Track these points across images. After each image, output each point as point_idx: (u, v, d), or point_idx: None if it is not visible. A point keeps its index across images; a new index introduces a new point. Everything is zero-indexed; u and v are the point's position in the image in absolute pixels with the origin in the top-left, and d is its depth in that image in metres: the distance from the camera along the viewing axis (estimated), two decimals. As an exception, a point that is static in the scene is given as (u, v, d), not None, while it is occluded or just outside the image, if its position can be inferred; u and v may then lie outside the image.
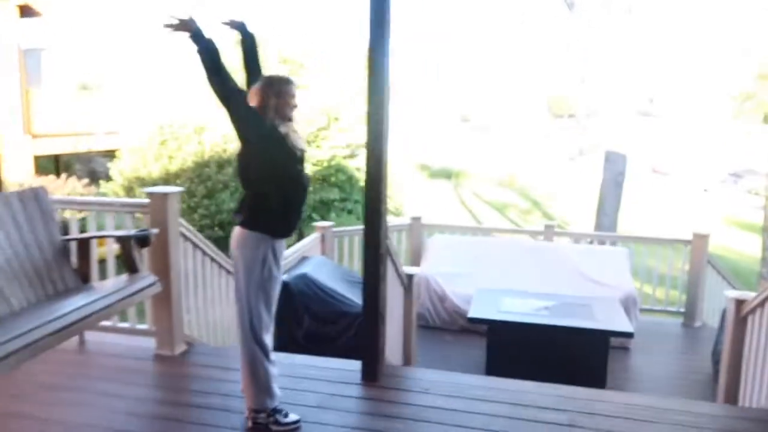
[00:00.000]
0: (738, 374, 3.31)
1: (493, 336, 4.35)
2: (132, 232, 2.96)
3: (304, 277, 4.61)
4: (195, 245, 3.60)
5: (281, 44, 23.96)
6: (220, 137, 10.12)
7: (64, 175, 10.38)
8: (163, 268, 3.24)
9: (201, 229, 9.43)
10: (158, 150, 9.54)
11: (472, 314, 4.36)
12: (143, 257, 3.14)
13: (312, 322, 4.43)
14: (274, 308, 2.73)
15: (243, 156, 2.59)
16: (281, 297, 4.84)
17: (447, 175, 40.95)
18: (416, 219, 6.28)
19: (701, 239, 5.61)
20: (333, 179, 14.35)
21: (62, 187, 9.91)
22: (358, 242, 6.02)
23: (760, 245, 10.01)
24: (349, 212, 14.94)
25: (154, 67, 14.12)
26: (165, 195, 3.23)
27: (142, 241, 2.94)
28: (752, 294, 3.23)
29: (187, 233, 3.49)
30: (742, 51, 9.26)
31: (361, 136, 16.27)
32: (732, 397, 3.26)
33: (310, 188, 14.57)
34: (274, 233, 2.61)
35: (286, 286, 4.60)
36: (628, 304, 5.07)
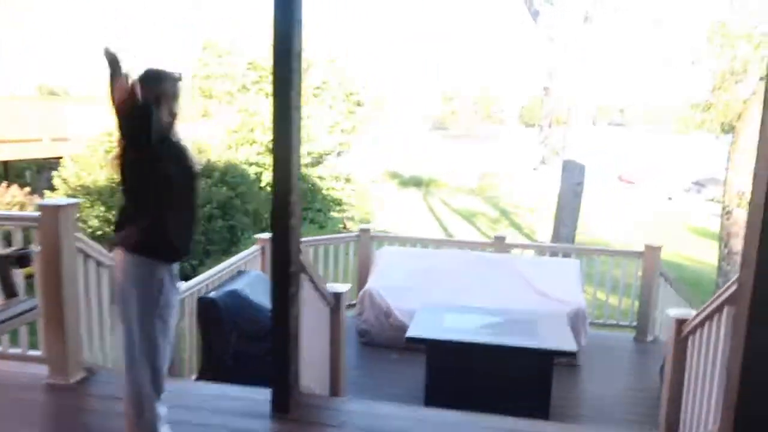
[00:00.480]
0: (679, 399, 3.12)
1: (432, 356, 4.11)
2: (8, 250, 2.64)
3: (233, 294, 4.32)
4: (99, 263, 3.28)
5: (250, 49, 23.65)
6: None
7: (5, 183, 9.89)
8: (54, 289, 2.92)
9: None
10: (104, 157, 9.13)
11: (410, 333, 4.12)
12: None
13: (240, 340, 4.13)
14: (171, 337, 2.45)
15: (133, 164, 2.30)
16: (208, 316, 4.58)
17: (417, 183, 40.94)
18: (365, 231, 6.02)
19: (653, 251, 5.47)
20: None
21: (1, 196, 9.43)
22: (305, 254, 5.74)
23: (717, 255, 10.01)
24: (311, 221, 14.65)
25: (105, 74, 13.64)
26: (57, 208, 2.92)
27: (22, 260, 2.63)
28: (693, 312, 3.05)
29: (88, 249, 3.18)
30: (693, 62, 9.25)
31: (327, 144, 16.02)
32: (673, 425, 3.07)
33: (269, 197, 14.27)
34: (171, 259, 2.35)
35: (213, 303, 4.31)
36: (578, 319, 4.89)
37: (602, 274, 6.11)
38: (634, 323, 5.69)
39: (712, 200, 37.29)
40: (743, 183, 9.25)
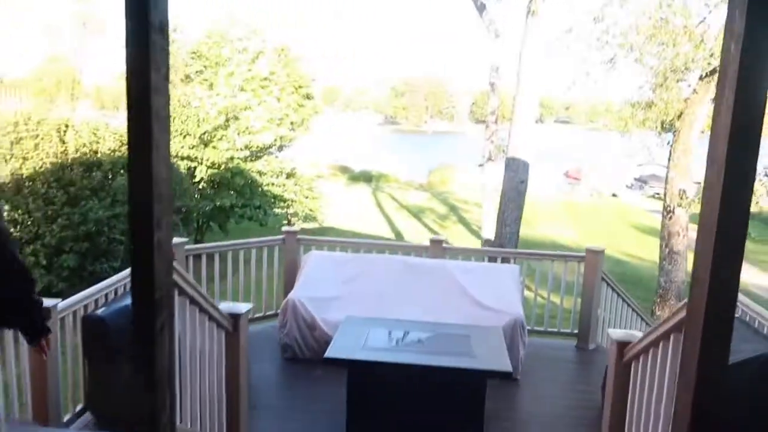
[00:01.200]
0: (622, 427, 2.78)
1: (353, 377, 3.67)
2: None
3: (125, 311, 3.75)
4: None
5: (193, 36, 22.57)
6: (88, 136, 8.96)
7: None
8: None
9: (61, 242, 8.25)
10: (9, 149, 8.28)
11: (329, 353, 3.66)
12: None
13: (127, 365, 3.58)
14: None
15: None
16: (94, 338, 3.99)
17: (367, 178, 40.54)
18: (291, 233, 5.51)
19: (595, 255, 5.19)
20: (230, 183, 13.36)
21: None
22: (221, 261, 5.19)
23: (658, 254, 9.97)
24: (250, 219, 13.97)
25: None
26: None
27: None
28: (637, 334, 2.70)
29: None
30: (635, 59, 9.14)
31: (267, 137, 15.34)
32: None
33: (209, 193, 13.54)
34: None
35: (101, 322, 3.73)
36: (516, 330, 4.55)
37: (543, 275, 5.80)
38: (576, 331, 5.41)
39: (653, 197, 38.51)
40: (684, 182, 9.19)
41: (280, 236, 5.52)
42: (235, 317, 2.91)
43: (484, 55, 17.29)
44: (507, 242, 8.33)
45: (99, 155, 9.11)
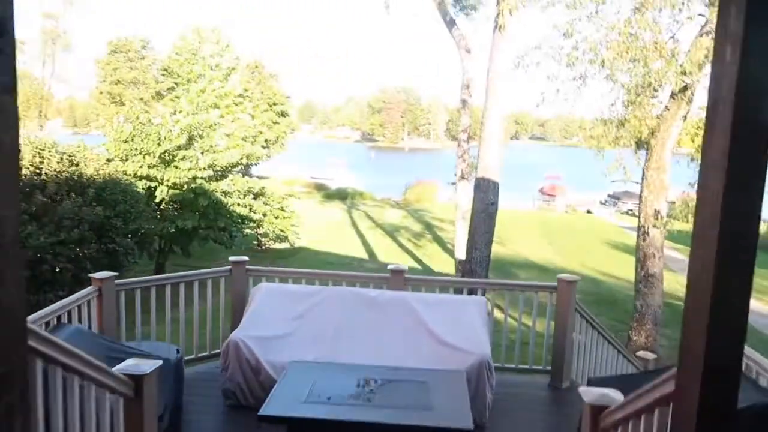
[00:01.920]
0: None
1: (294, 437, 3.18)
2: None
3: None
4: None
5: (163, 52, 21.84)
6: (30, 156, 8.38)
7: None
8: None
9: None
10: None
11: (263, 410, 3.17)
12: None
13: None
14: None
15: None
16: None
17: (342, 196, 40.11)
18: (238, 263, 5.01)
19: (568, 286, 4.79)
20: (193, 204, 12.78)
21: None
22: (158, 297, 4.67)
23: (634, 276, 9.67)
24: (214, 241, 13.40)
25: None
26: None
27: None
28: (616, 397, 2.28)
29: None
30: (606, 76, 8.93)
31: (233, 156, 14.81)
32: None
33: (171, 214, 12.93)
34: None
35: None
36: (482, 372, 4.11)
37: (513, 297, 5.36)
38: (549, 367, 4.99)
39: (627, 213, 38.76)
40: (658, 202, 8.93)
41: (227, 267, 5.02)
42: (137, 379, 2.42)
43: (456, 72, 17.13)
44: (477, 266, 7.93)
45: (43, 176, 8.52)
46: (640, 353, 4.99)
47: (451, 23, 13.14)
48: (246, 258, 5.10)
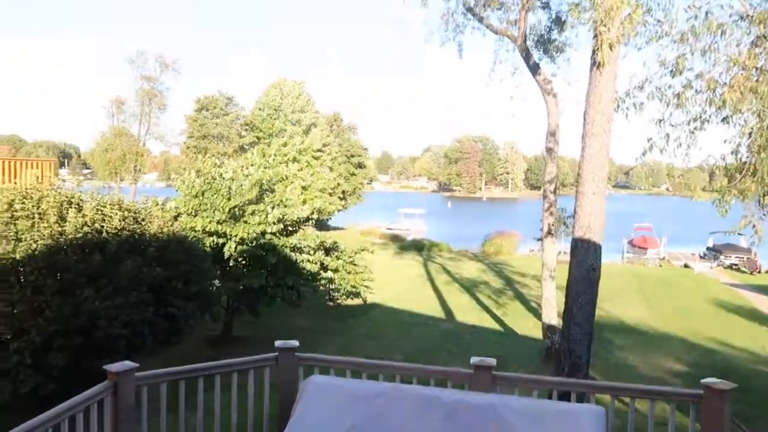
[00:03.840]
0: None
1: None
2: None
3: None
4: None
5: (248, 105, 22.18)
6: (92, 213, 8.02)
7: None
8: None
9: (49, 340, 7.12)
10: (2, 231, 7.37)
11: None
12: None
13: None
14: None
15: None
16: None
17: (418, 248, 39.11)
18: (286, 350, 4.09)
19: (720, 396, 3.52)
20: (262, 261, 12.20)
21: None
22: (189, 392, 3.82)
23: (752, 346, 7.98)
24: (282, 299, 12.70)
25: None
26: None
27: None
28: None
29: None
30: (724, 118, 7.62)
31: (304, 210, 14.28)
32: None
33: (242, 272, 12.41)
34: None
35: None
36: None
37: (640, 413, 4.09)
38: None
39: (730, 268, 35.27)
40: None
41: (272, 354, 4.12)
42: None
43: (539, 118, 16.04)
44: (577, 345, 6.63)
45: (104, 235, 8.11)
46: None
47: (534, 67, 12.18)
48: (295, 343, 4.17)
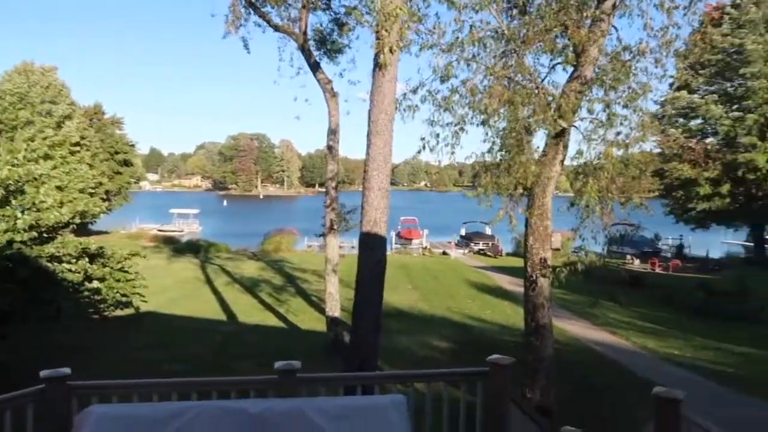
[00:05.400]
0: None
1: None
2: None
3: None
4: None
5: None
6: None
7: None
8: None
9: None
10: None
11: None
12: None
13: None
14: None
15: None
16: None
17: (194, 249, 37.14)
18: (55, 380, 3.45)
19: (501, 370, 3.91)
20: (10, 276, 10.33)
21: None
22: None
23: (501, 320, 9.25)
24: (38, 321, 10.92)
25: None
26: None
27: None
28: None
29: None
30: (482, 121, 8.60)
31: (63, 213, 12.50)
32: None
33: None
34: None
35: None
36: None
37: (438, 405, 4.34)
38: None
39: (479, 253, 40.41)
40: (544, 250, 8.60)
41: (37, 387, 3.43)
42: None
43: (318, 116, 16.36)
44: (367, 338, 6.87)
45: None
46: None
47: (315, 66, 12.34)
48: (67, 371, 3.54)
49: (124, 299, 15.79)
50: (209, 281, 24.37)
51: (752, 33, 32.74)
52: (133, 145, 54.02)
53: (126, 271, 16.04)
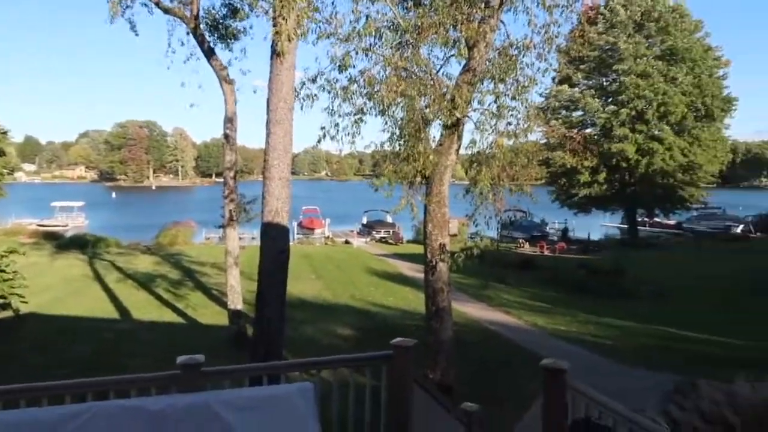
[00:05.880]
0: None
1: None
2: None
3: None
4: None
5: None
6: None
7: None
8: None
9: None
10: None
11: None
12: None
13: None
14: None
15: None
16: None
17: (81, 244, 34.73)
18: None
19: (403, 352, 4.07)
20: None
21: None
22: None
23: (402, 306, 9.57)
24: None
25: None
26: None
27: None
28: None
29: None
30: (381, 111, 8.78)
31: None
32: None
33: None
34: None
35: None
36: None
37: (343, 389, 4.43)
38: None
39: (381, 241, 41.03)
40: (442, 236, 8.93)
41: None
42: None
43: (213, 105, 15.83)
44: (271, 329, 6.83)
45: None
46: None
47: (209, 52, 11.93)
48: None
49: (1, 301, 14.58)
50: (99, 278, 22.93)
51: (623, 33, 35.65)
52: (5, 133, 49.47)
53: (3, 270, 14.80)
